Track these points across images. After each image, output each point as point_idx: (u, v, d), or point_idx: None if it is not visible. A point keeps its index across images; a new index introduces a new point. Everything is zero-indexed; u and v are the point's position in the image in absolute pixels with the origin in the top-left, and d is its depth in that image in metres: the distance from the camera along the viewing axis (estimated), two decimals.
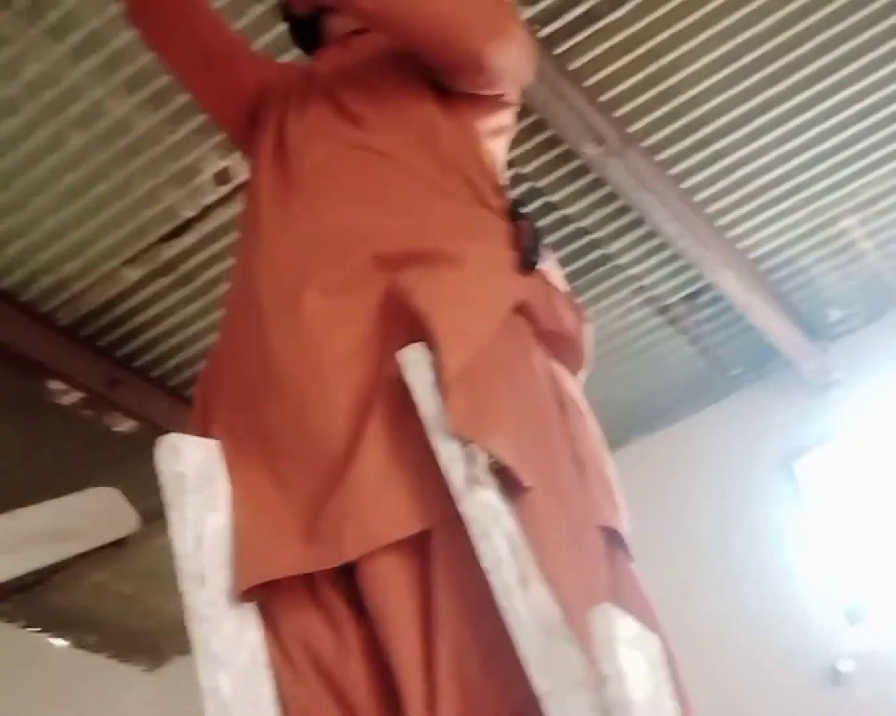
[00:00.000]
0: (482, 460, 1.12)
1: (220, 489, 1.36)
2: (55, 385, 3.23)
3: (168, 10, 1.67)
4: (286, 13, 1.77)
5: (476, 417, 1.14)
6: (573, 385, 1.35)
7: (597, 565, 1.19)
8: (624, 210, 3.14)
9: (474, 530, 1.10)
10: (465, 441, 1.14)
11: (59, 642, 4.40)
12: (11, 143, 2.69)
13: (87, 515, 3.00)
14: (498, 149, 1.55)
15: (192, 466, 1.35)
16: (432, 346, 1.18)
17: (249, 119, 1.64)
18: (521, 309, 1.28)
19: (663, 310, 3.58)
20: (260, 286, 1.36)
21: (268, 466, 1.29)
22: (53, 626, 4.32)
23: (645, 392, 3.89)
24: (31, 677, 4.16)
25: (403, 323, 1.23)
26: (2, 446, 3.39)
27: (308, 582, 1.25)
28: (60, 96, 2.61)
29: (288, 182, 1.44)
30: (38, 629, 4.33)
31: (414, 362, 1.21)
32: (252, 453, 1.31)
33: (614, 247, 3.29)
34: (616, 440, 3.85)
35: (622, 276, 3.41)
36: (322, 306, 1.30)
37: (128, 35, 2.48)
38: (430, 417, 1.18)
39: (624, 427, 3.87)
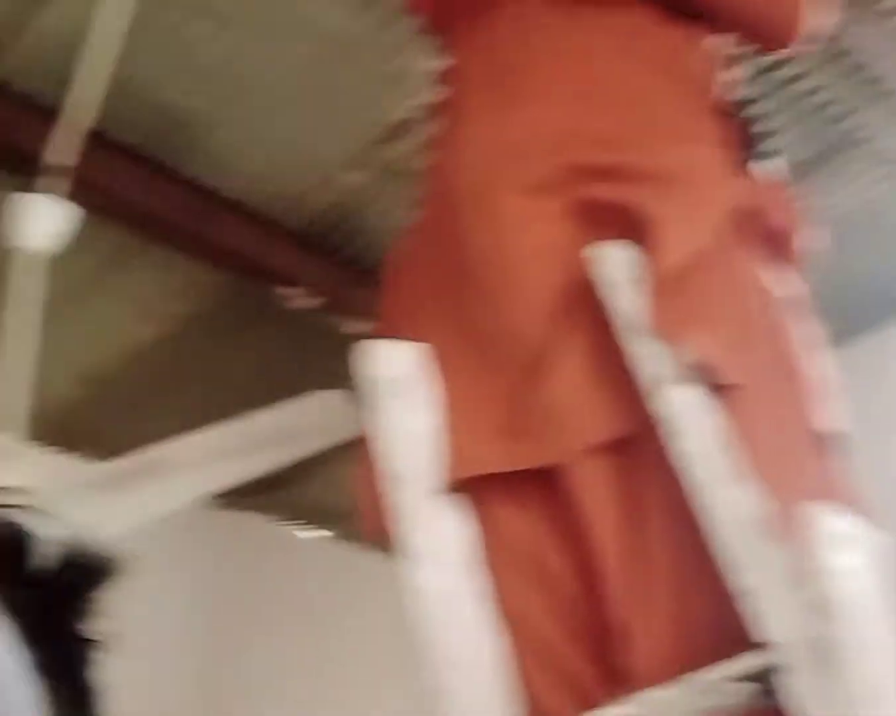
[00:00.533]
0: (676, 357, 1.11)
1: (425, 391, 1.36)
2: (293, 292, 3.34)
3: None
4: None
5: (678, 315, 1.14)
6: (788, 285, 1.32)
7: (806, 464, 1.16)
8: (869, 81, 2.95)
9: (666, 429, 1.09)
10: (660, 338, 1.12)
11: (311, 535, 4.63)
12: (232, 57, 2.75)
13: (324, 415, 3.11)
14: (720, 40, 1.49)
15: (396, 369, 1.36)
16: (644, 244, 1.17)
17: None
18: (736, 211, 1.26)
19: None
20: (457, 182, 1.37)
21: (469, 361, 1.31)
22: (305, 519, 4.54)
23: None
24: (289, 568, 4.41)
25: (606, 224, 1.22)
26: (247, 354, 3.55)
27: (508, 479, 1.26)
28: (277, 7, 2.64)
29: (492, 69, 1.42)
30: (292, 523, 4.56)
31: (603, 258, 1.19)
32: (453, 349, 1.33)
33: (859, 120, 3.10)
34: (867, 323, 3.68)
35: (867, 148, 3.22)
36: (517, 204, 1.30)
37: None
38: (622, 314, 1.16)
39: (875, 310, 3.67)
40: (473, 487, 1.27)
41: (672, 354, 1.11)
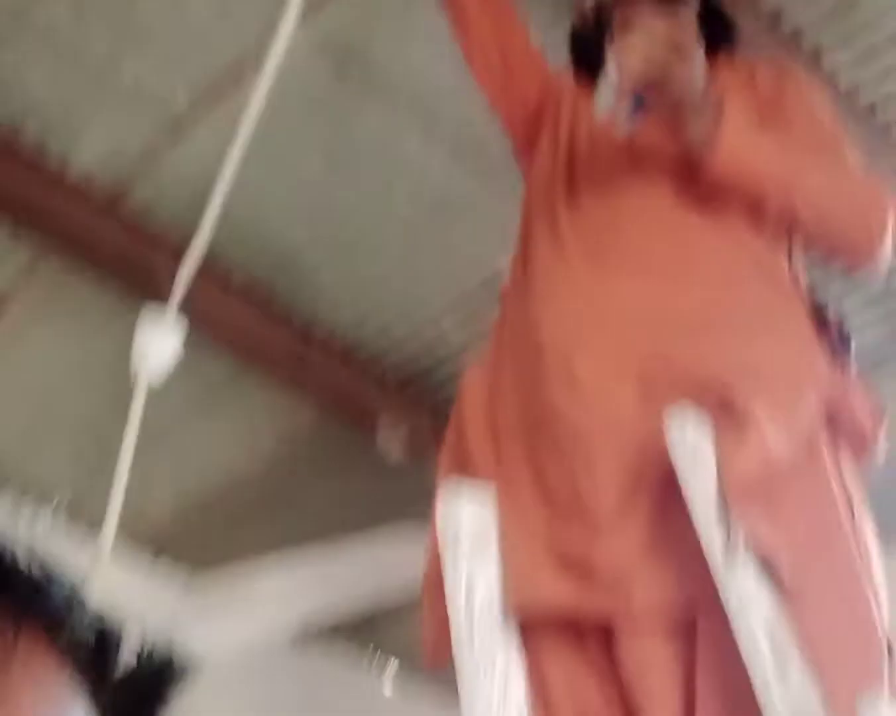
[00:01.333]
0: (745, 542, 1.10)
1: (494, 548, 1.39)
2: (383, 431, 3.39)
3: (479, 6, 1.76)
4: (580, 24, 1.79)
5: (752, 506, 1.14)
6: (861, 482, 1.31)
7: (866, 664, 1.13)
8: None
9: (732, 611, 1.08)
10: (727, 518, 1.12)
11: (389, 673, 4.58)
12: (347, 208, 2.86)
13: (408, 552, 3.12)
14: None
15: (467, 525, 1.39)
16: (728, 430, 1.18)
17: (529, 133, 1.69)
18: (824, 408, 1.29)
19: None
20: (541, 338, 1.40)
21: (538, 505, 1.34)
22: (384, 657, 4.50)
23: None
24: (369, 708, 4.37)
25: (688, 400, 1.24)
26: (333, 488, 3.60)
27: (567, 629, 1.28)
28: (392, 161, 2.75)
29: (586, 238, 1.47)
30: (370, 661, 4.52)
31: (680, 431, 1.20)
32: (524, 492, 1.35)
33: None
34: None
35: None
36: (598, 370, 1.32)
37: (455, 100, 2.60)
38: (696, 489, 1.17)
39: None
40: (531, 625, 1.29)
41: (742, 542, 1.11)
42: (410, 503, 3.60)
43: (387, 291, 3.10)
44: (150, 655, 0.45)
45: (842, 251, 1.49)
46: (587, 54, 1.73)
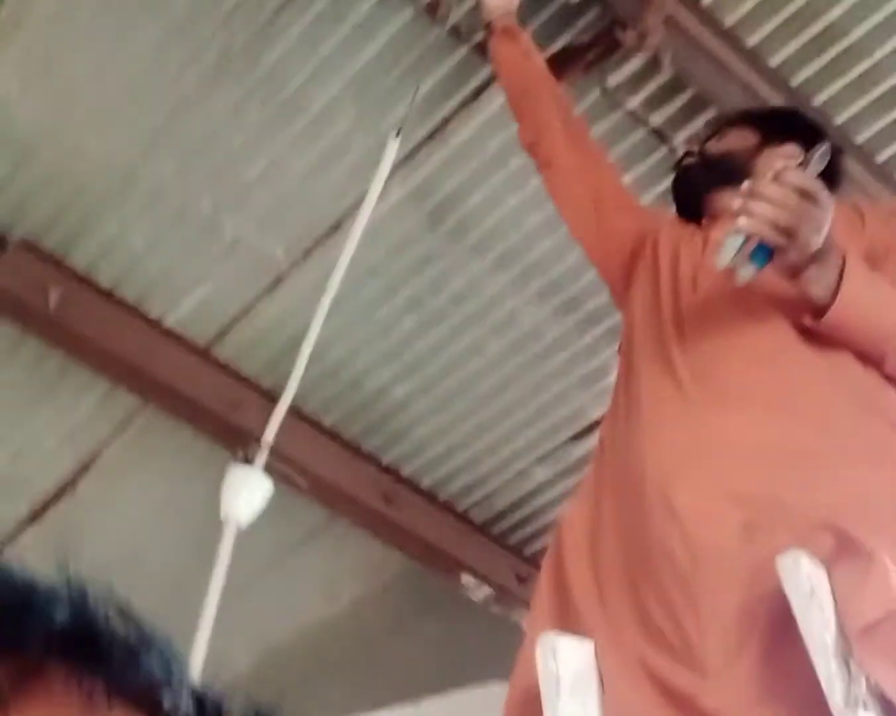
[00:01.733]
0: (866, 682, 1.07)
1: (595, 692, 1.36)
2: (467, 580, 3.37)
3: (569, 152, 1.79)
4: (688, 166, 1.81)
5: (869, 641, 1.10)
6: None
7: None
8: None
9: None
10: (848, 660, 1.08)
11: None
12: (436, 350, 2.91)
13: (490, 709, 3.06)
14: None
15: (568, 667, 1.37)
16: (848, 568, 1.16)
17: (625, 273, 1.71)
18: None
19: None
20: (644, 472, 1.39)
21: (644, 648, 1.31)
22: None
23: None
24: None
25: (798, 538, 1.21)
26: (418, 638, 3.56)
27: None
28: (480, 306, 2.80)
29: (694, 373, 1.47)
30: None
31: (795, 568, 1.18)
32: (629, 634, 1.33)
33: None
34: None
35: None
36: (701, 507, 1.31)
37: (542, 247, 2.65)
38: (811, 631, 1.14)
39: None
40: None
41: (864, 686, 1.08)
42: (496, 655, 3.55)
43: (478, 441, 3.12)
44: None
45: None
46: (692, 195, 1.75)
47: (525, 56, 1.99)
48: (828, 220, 1.35)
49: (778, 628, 1.18)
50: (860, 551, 1.15)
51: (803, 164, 1.40)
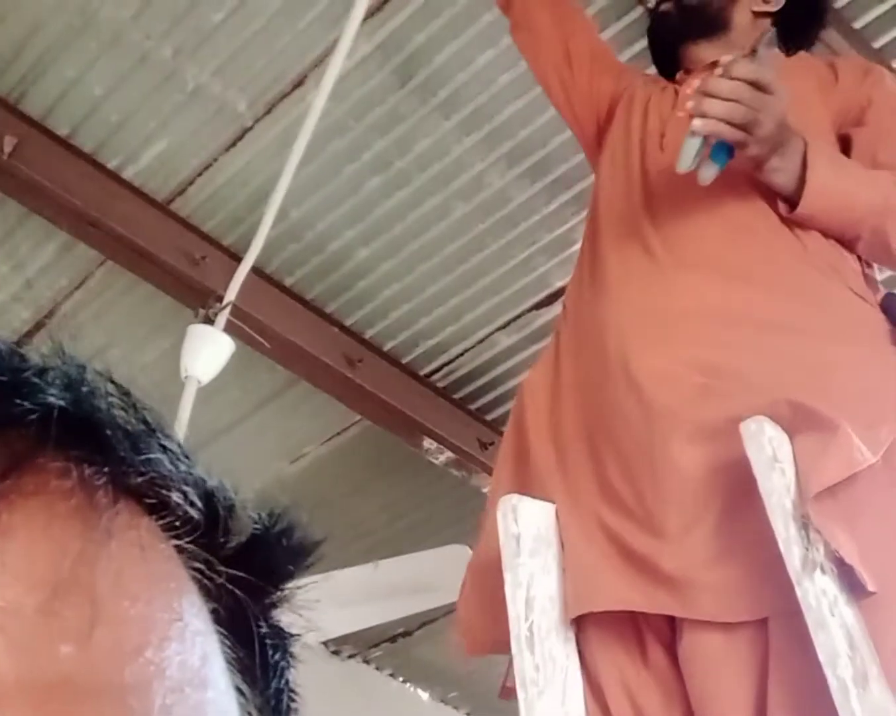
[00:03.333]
0: (823, 547, 1.07)
1: (555, 553, 1.37)
2: (429, 444, 3.38)
3: (544, 11, 1.76)
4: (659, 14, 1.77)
5: (828, 508, 1.10)
6: None
7: None
8: None
9: (810, 618, 1.05)
10: (807, 524, 1.09)
11: (421, 694, 4.56)
12: (402, 213, 2.86)
13: (449, 572, 3.10)
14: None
15: (528, 528, 1.38)
16: (809, 436, 1.16)
17: (599, 132, 1.68)
18: None
19: None
20: (606, 343, 1.38)
21: (603, 510, 1.32)
22: (417, 677, 4.48)
23: None
24: None
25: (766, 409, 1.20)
26: (378, 499, 3.59)
27: (625, 626, 1.26)
28: (446, 169, 2.75)
29: (655, 236, 1.45)
30: (403, 679, 4.51)
31: (759, 435, 1.18)
32: (588, 497, 1.34)
33: None
34: None
35: None
36: (661, 372, 1.31)
37: (511, 109, 2.59)
38: (772, 494, 1.14)
39: None
40: (588, 625, 1.27)
41: (822, 548, 1.09)
42: (456, 519, 3.60)
43: (442, 305, 3.09)
44: (270, 523, 0.37)
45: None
46: (667, 45, 1.71)
47: None
48: (783, 108, 1.32)
49: (737, 491, 1.19)
50: (822, 422, 1.15)
51: (752, 54, 1.37)
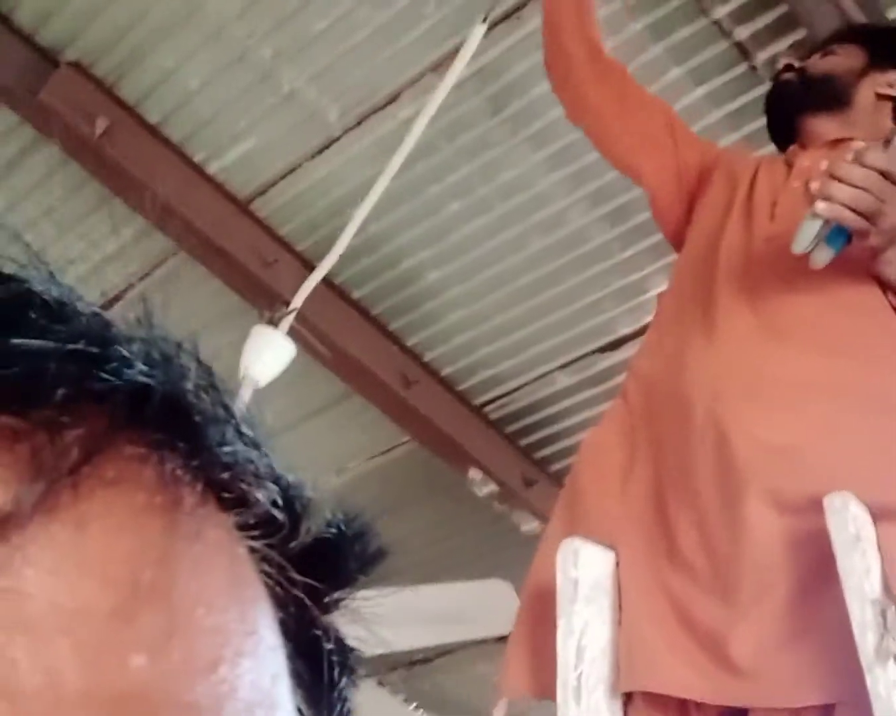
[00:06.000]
0: None
1: (612, 603, 1.35)
2: (474, 474, 3.36)
3: (607, 94, 1.74)
4: (782, 89, 1.74)
5: None
6: None
7: None
8: None
9: (878, 708, 1.02)
10: (885, 611, 1.06)
11: None
12: (479, 240, 2.85)
13: (480, 605, 3.07)
14: None
15: (588, 574, 1.35)
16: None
17: (688, 206, 1.65)
18: None
19: None
20: (688, 394, 1.36)
21: (670, 576, 1.29)
22: (431, 705, 4.45)
23: None
24: None
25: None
26: (416, 523, 3.57)
27: (685, 705, 1.23)
28: (528, 201, 2.74)
29: (754, 302, 1.43)
30: (417, 706, 4.47)
31: (840, 510, 1.15)
32: (653, 562, 1.31)
33: None
34: None
35: None
36: (754, 440, 1.28)
37: (597, 153, 2.58)
38: (851, 575, 1.11)
39: None
40: (646, 704, 1.24)
41: (886, 623, 1.06)
42: (493, 552, 3.57)
43: (505, 337, 3.08)
44: (342, 523, 0.34)
45: None
46: (785, 114, 1.69)
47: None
48: None
49: (813, 567, 1.16)
50: None
51: (885, 143, 1.34)
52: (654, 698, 1.25)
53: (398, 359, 3.12)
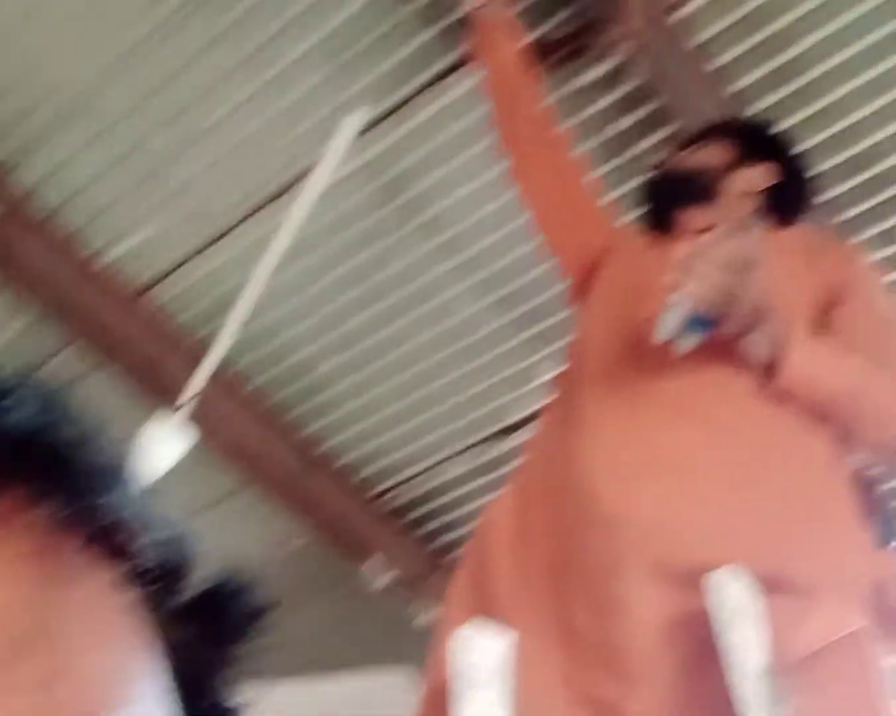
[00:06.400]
0: (785, 711, 1.07)
1: (508, 687, 1.35)
2: (372, 565, 3.34)
3: (546, 162, 1.79)
4: (661, 176, 1.79)
5: (796, 673, 1.10)
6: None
7: None
8: None
9: None
10: (770, 686, 1.09)
11: None
12: (368, 331, 2.87)
13: (378, 697, 3.04)
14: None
15: (482, 660, 1.35)
16: (787, 597, 1.18)
17: (585, 278, 1.70)
18: (869, 589, 1.27)
19: None
20: (574, 481, 1.38)
21: (563, 652, 1.30)
22: None
23: None
24: None
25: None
26: (314, 614, 3.52)
27: None
28: (419, 291, 2.78)
29: (634, 384, 1.46)
30: None
31: (721, 588, 1.18)
32: (548, 638, 1.32)
33: None
34: None
35: None
36: (641, 520, 1.31)
37: (489, 239, 2.63)
38: (731, 651, 1.14)
39: None
40: None
41: (775, 694, 1.08)
42: (391, 642, 3.53)
43: (397, 427, 3.09)
44: (226, 579, 0.35)
45: (869, 443, 1.48)
46: (659, 208, 1.75)
47: (517, 63, 1.91)
48: (762, 287, 1.34)
49: (697, 644, 1.18)
50: (800, 587, 1.16)
51: (738, 229, 1.40)
52: None
53: (293, 449, 3.11)
